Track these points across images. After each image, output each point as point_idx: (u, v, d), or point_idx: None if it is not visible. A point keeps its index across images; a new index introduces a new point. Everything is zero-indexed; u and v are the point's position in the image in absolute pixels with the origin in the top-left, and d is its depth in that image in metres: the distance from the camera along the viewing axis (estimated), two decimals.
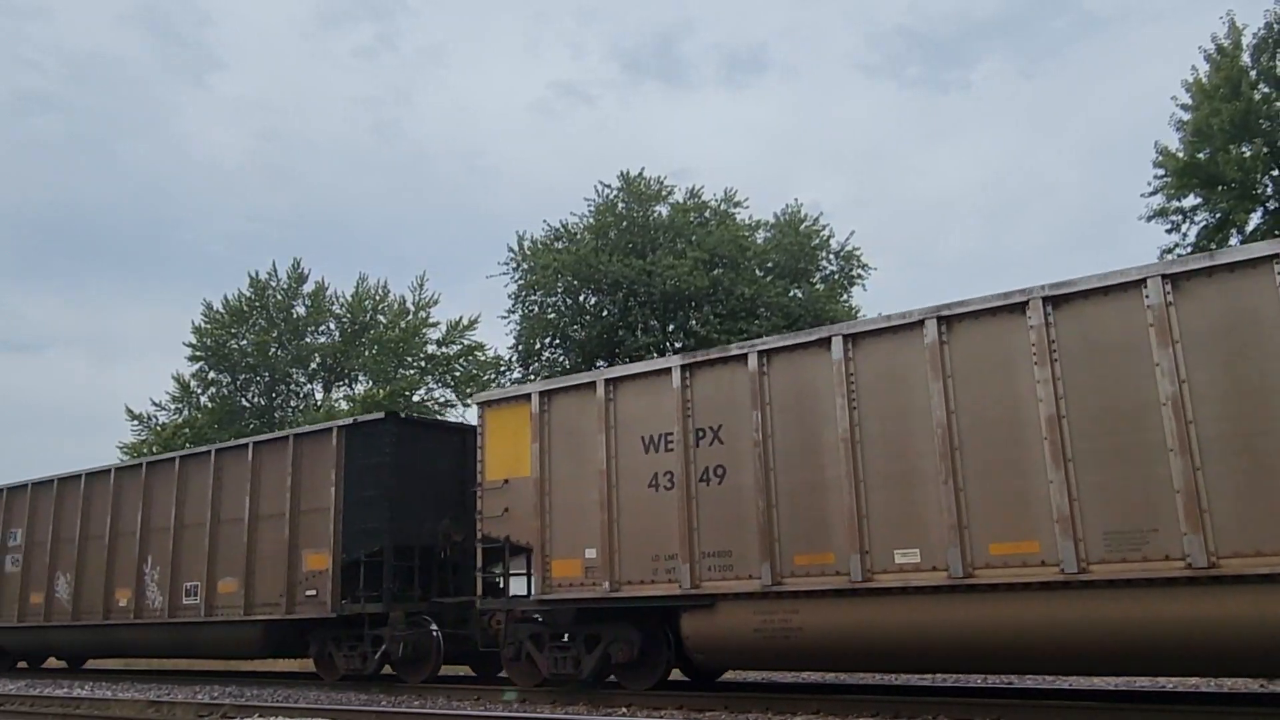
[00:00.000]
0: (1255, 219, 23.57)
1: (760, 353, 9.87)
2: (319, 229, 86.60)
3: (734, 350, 10.17)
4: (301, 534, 13.55)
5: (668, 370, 10.48)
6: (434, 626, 12.68)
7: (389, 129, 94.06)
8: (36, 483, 18.25)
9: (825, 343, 9.51)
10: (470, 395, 31.96)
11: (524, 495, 11.29)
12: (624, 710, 9.79)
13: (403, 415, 15.01)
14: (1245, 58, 23.09)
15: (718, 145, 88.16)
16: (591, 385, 11.08)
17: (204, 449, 15.83)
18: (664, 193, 30.69)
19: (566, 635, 11.14)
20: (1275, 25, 22.73)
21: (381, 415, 13.63)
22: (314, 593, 13.17)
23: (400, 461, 13.05)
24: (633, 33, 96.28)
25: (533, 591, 11.08)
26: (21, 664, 19.75)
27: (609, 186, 30.58)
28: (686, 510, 10.10)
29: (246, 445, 14.77)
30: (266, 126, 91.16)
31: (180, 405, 35.98)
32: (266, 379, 36.02)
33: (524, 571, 11.57)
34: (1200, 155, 23.54)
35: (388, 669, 13.46)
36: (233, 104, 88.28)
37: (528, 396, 11.57)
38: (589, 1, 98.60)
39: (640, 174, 30.54)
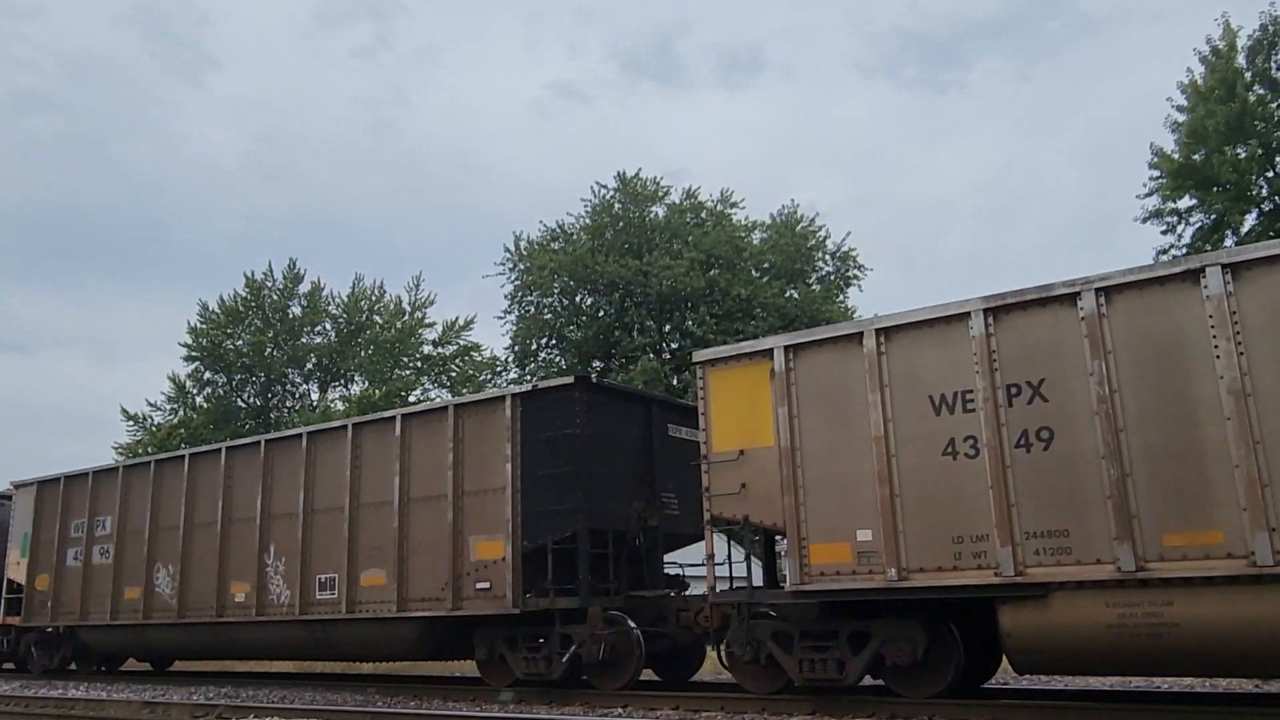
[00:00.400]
0: (1250, 220, 23.67)
1: (1098, 290, 8.16)
2: (316, 229, 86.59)
3: (1058, 289, 8.37)
4: (467, 518, 11.73)
5: (963, 316, 8.75)
6: (632, 624, 10.99)
7: (386, 129, 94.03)
8: (129, 465, 16.72)
9: (1194, 275, 7.81)
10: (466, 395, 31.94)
11: (766, 469, 9.60)
12: (620, 711, 9.77)
13: (593, 379, 13.05)
14: (1240, 59, 23.18)
15: (715, 146, 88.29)
16: (856, 337, 9.31)
17: (338, 423, 13.82)
18: (661, 193, 30.76)
19: (807, 633, 9.53)
20: (1270, 27, 22.82)
21: (570, 379, 11.71)
22: (487, 585, 11.40)
23: (593, 433, 11.31)
24: (630, 33, 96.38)
25: (790, 579, 9.27)
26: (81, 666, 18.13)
27: (606, 187, 30.67)
28: (1001, 482, 8.37)
29: (393, 419, 12.85)
30: (264, 126, 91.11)
31: (176, 406, 35.99)
32: (262, 379, 36.00)
33: (780, 555, 10.04)
34: (1195, 157, 23.62)
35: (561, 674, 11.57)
36: (230, 104, 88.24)
37: (768, 353, 9.81)
38: (587, 2, 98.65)
39: (637, 174, 30.63)
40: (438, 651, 12.71)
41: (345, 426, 13.36)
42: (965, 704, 8.76)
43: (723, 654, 10.35)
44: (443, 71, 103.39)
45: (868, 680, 9.32)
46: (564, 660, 10.91)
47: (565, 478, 11.14)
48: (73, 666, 17.28)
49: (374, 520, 12.64)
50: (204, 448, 15.79)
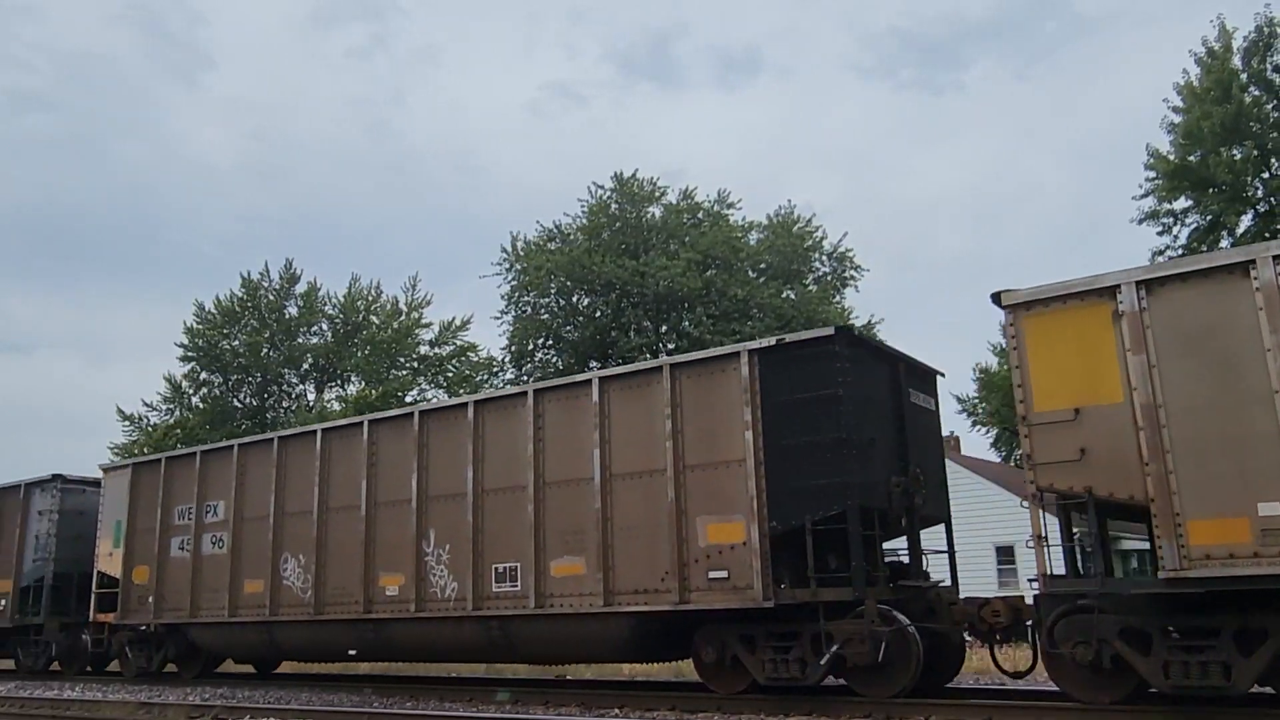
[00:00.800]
0: (1246, 221, 23.73)
1: None
2: (311, 229, 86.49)
3: None
4: (693, 496, 10.03)
5: None
6: (905, 620, 9.25)
7: (382, 129, 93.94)
8: (246, 444, 14.88)
9: None
10: (463, 394, 31.91)
11: (1115, 430, 8.03)
12: (617, 711, 9.77)
13: (854, 331, 11.16)
14: (1236, 61, 23.25)
15: (711, 146, 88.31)
16: (1242, 267, 7.64)
17: (514, 390, 12.17)
18: (657, 194, 30.78)
19: (1173, 630, 7.92)
20: (1265, 29, 22.88)
21: (828, 330, 9.86)
22: (723, 574, 9.72)
23: (857, 393, 9.66)
24: (627, 34, 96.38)
25: (1168, 564, 7.64)
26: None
27: (602, 187, 30.69)
28: None
29: (588, 382, 11.12)
30: (259, 126, 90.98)
31: (172, 406, 35.93)
32: (258, 379, 35.96)
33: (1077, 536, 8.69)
34: (1191, 158, 23.69)
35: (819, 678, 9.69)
36: (225, 104, 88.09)
37: (1109, 291, 8.15)
38: (583, 2, 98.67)
39: (634, 175, 30.64)
40: (652, 652, 11.06)
41: (525, 393, 11.62)
42: (963, 704, 8.77)
43: (1039, 652, 8.84)
44: (439, 72, 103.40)
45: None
46: (822, 663, 9.23)
47: (827, 447, 9.40)
48: (171, 668, 15.63)
49: (566, 501, 10.93)
50: (341, 421, 13.94)
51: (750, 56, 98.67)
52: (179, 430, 33.86)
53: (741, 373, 9.97)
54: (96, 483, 17.45)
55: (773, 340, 10.09)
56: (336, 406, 33.46)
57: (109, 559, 15.98)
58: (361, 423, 13.18)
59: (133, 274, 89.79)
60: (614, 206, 30.48)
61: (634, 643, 10.54)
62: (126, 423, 35.79)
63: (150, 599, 15.09)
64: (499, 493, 11.49)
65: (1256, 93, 23.17)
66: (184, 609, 14.61)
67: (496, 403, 11.92)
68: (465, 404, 12.17)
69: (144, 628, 15.33)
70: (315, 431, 13.67)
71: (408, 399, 33.48)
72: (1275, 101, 23.12)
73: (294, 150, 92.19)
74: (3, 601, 17.56)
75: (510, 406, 11.70)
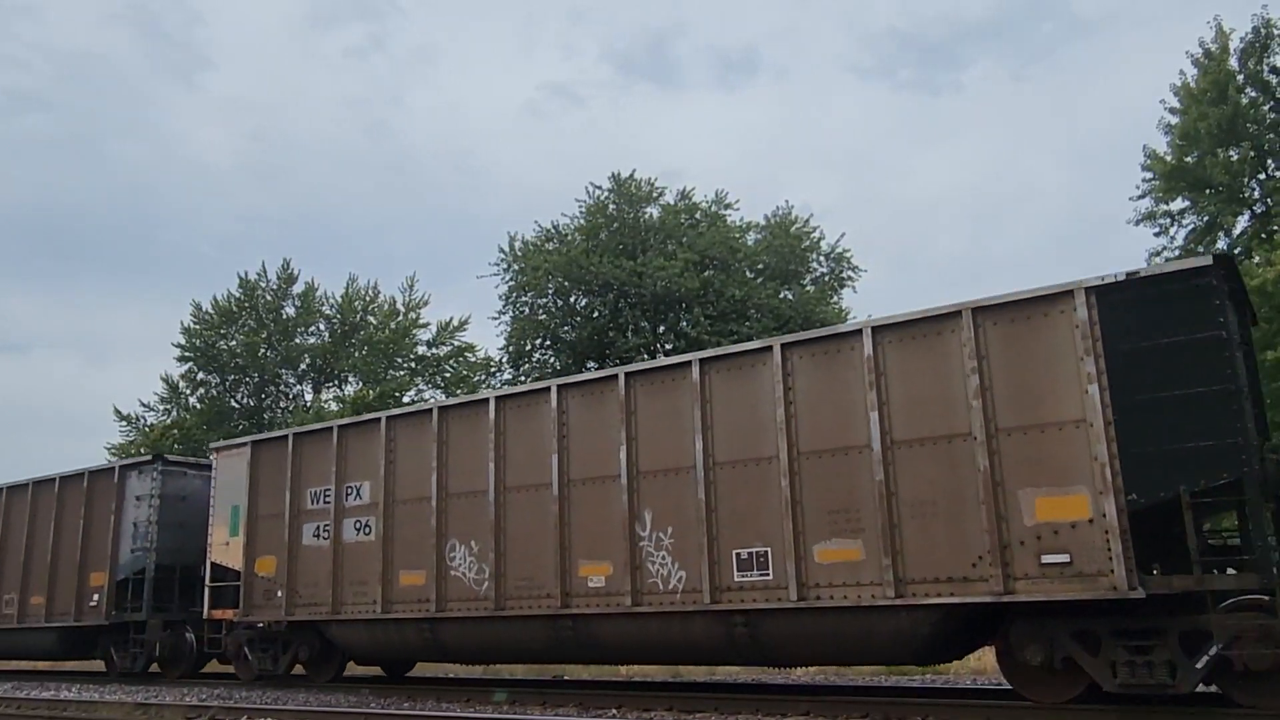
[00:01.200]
0: (1243, 222, 23.76)
1: None
2: (309, 229, 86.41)
3: None
4: (1010, 465, 8.54)
5: None
6: None
7: (380, 130, 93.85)
8: (396, 416, 13.12)
9: None
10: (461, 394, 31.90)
11: None
12: (614, 711, 9.76)
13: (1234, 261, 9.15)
14: (1233, 62, 23.27)
15: (709, 147, 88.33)
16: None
17: (754, 345, 10.32)
18: (655, 194, 30.76)
19: None
20: (1262, 30, 22.90)
21: (1206, 260, 8.13)
22: (1063, 558, 8.18)
23: (1236, 339, 8.12)
24: (625, 34, 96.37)
25: None
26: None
27: (600, 188, 30.66)
28: None
29: (856, 332, 9.53)
30: (257, 126, 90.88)
31: (169, 406, 35.91)
32: (256, 380, 35.92)
33: None
34: (1188, 159, 23.72)
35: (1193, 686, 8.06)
36: (223, 104, 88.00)
37: None
38: (581, 3, 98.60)
39: (631, 175, 30.62)
40: (949, 651, 9.64)
41: (769, 348, 10.05)
42: (961, 704, 8.77)
43: None
44: (438, 72, 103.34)
45: None
46: (1200, 665, 7.68)
47: (1210, 401, 7.81)
48: (298, 670, 14.15)
49: (830, 473, 9.47)
50: (521, 388, 12.19)
51: (749, 57, 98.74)
52: (176, 430, 33.85)
53: (1076, 315, 8.39)
54: (198, 465, 16.51)
55: (1119, 274, 8.31)
56: (334, 407, 33.43)
57: (224, 549, 14.44)
58: (548, 388, 11.53)
59: (131, 274, 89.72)
60: (612, 207, 30.45)
61: (932, 641, 8.98)
62: (124, 423, 35.82)
63: (279, 593, 13.60)
64: (738, 465, 9.98)
65: (1253, 94, 23.17)
66: (323, 605, 13.07)
67: (727, 360, 10.30)
68: (688, 362, 10.45)
69: (271, 626, 13.82)
70: (487, 401, 12.07)
71: (405, 400, 33.47)
72: (1272, 103, 23.13)
73: (292, 150, 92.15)
74: (95, 596, 16.04)
75: (748, 364, 10.12)
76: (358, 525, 12.98)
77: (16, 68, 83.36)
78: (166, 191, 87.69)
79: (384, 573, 12.48)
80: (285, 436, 14.19)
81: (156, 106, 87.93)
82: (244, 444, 14.72)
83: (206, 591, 14.67)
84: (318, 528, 13.40)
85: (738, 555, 9.79)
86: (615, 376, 10.92)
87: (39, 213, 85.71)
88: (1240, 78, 23.14)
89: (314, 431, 14.01)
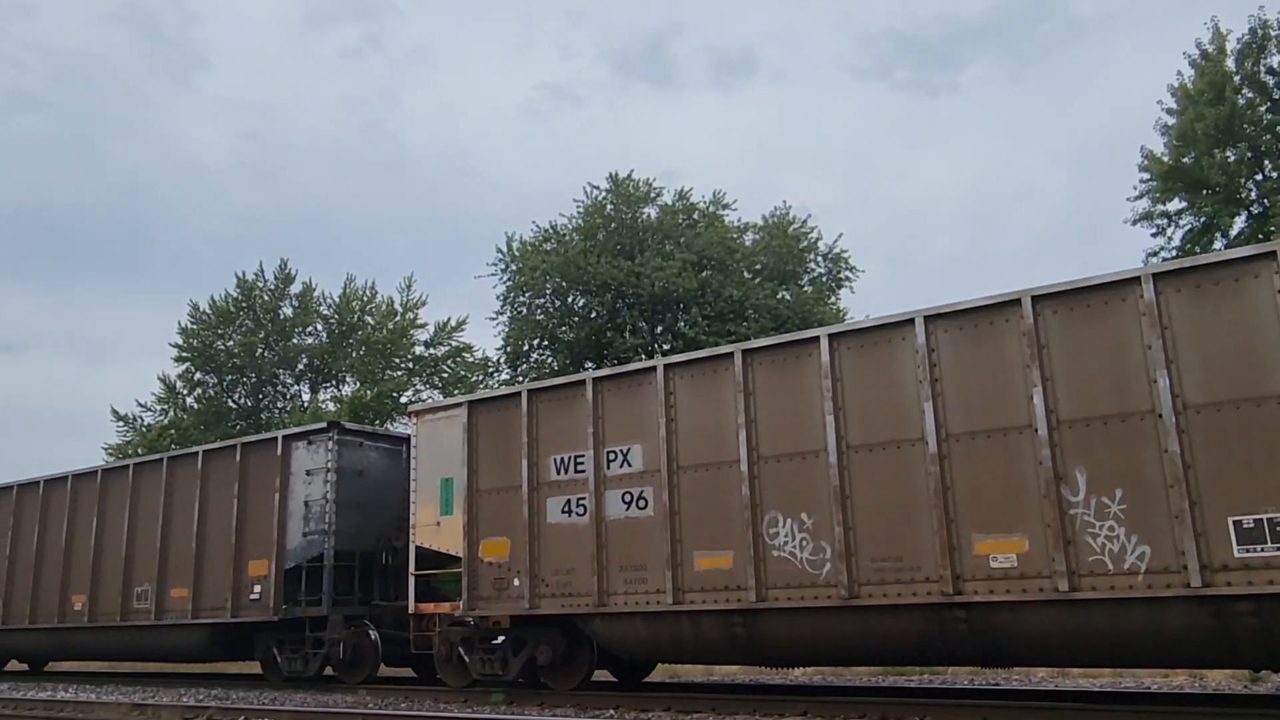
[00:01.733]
0: (1240, 223, 23.80)
1: None
2: (306, 230, 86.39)
3: None
4: None
5: None
6: None
7: (377, 130, 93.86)
8: (675, 364, 10.68)
9: None
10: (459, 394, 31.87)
11: None
12: (611, 711, 9.77)
13: None
14: (1229, 63, 23.33)
15: (707, 147, 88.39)
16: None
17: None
18: (653, 194, 30.77)
19: None
20: (1259, 30, 22.96)
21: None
22: None
23: None
24: (623, 35, 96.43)
25: None
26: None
27: (598, 188, 30.66)
28: None
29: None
30: (253, 126, 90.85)
31: (166, 406, 35.87)
32: (253, 380, 35.90)
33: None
34: (1185, 159, 23.76)
35: None
36: (219, 104, 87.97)
37: None
38: (579, 3, 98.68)
39: (629, 176, 30.62)
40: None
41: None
42: (959, 704, 8.79)
43: None
44: (433, 72, 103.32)
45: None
46: None
47: None
48: (523, 677, 11.61)
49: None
50: (857, 324, 9.97)
51: (746, 57, 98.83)
52: (173, 430, 33.82)
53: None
54: (375, 434, 14.61)
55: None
56: (332, 407, 33.40)
57: (433, 530, 12.14)
58: (912, 319, 9.10)
59: (127, 274, 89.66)
60: (609, 207, 30.46)
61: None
62: (121, 423, 35.75)
63: (516, 582, 11.32)
64: (1212, 410, 7.63)
65: (1250, 95, 23.24)
66: (583, 595, 10.71)
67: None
68: (1136, 277, 8.07)
69: (495, 622, 11.55)
70: (817, 339, 9.68)
71: (403, 399, 33.44)
72: (1269, 104, 23.19)
73: (289, 150, 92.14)
74: (257, 588, 13.76)
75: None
76: (627, 498, 10.70)
77: (13, 67, 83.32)
78: (163, 191, 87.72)
79: (672, 555, 10.19)
80: (517, 394, 11.79)
81: (153, 106, 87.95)
82: (458, 404, 12.35)
83: (411, 582, 12.34)
84: (567, 502, 11.09)
85: (1236, 524, 7.38)
86: (1019, 301, 8.64)
87: (35, 213, 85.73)
88: (1237, 78, 23.21)
89: (558, 386, 11.61)
